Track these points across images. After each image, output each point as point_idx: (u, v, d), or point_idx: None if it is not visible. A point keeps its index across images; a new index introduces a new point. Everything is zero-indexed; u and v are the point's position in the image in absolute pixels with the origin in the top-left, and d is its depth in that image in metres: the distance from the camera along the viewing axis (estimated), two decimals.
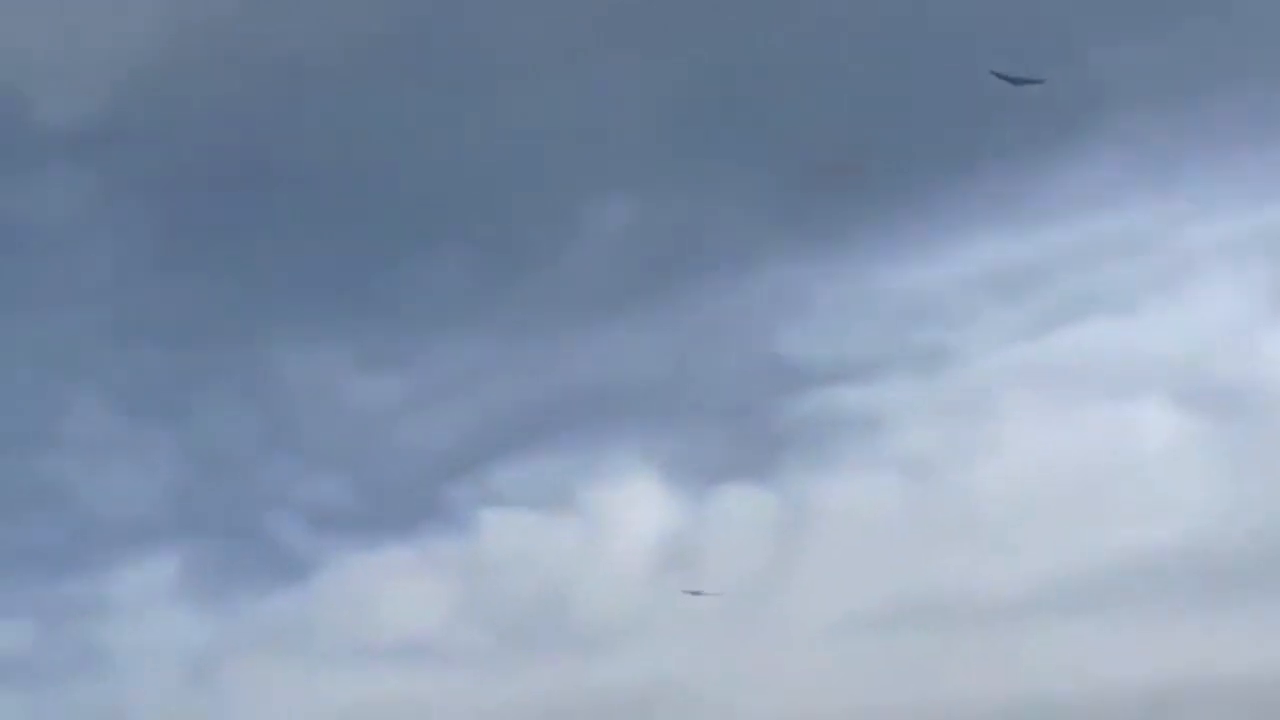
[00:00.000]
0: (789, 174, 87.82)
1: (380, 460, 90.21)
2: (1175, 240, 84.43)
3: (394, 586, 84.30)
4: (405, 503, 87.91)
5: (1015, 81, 56.88)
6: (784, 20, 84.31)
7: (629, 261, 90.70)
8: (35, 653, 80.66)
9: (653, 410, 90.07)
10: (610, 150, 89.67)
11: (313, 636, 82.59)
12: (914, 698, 71.54)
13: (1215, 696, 67.66)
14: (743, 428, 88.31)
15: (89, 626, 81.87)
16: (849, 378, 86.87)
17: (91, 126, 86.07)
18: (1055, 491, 78.46)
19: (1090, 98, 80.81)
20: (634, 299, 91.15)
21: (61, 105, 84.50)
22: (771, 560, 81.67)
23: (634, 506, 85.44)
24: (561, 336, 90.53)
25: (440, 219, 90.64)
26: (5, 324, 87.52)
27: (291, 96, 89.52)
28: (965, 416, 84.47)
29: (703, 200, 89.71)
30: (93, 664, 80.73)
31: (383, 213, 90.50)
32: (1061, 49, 79.34)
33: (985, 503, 79.63)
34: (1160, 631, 70.90)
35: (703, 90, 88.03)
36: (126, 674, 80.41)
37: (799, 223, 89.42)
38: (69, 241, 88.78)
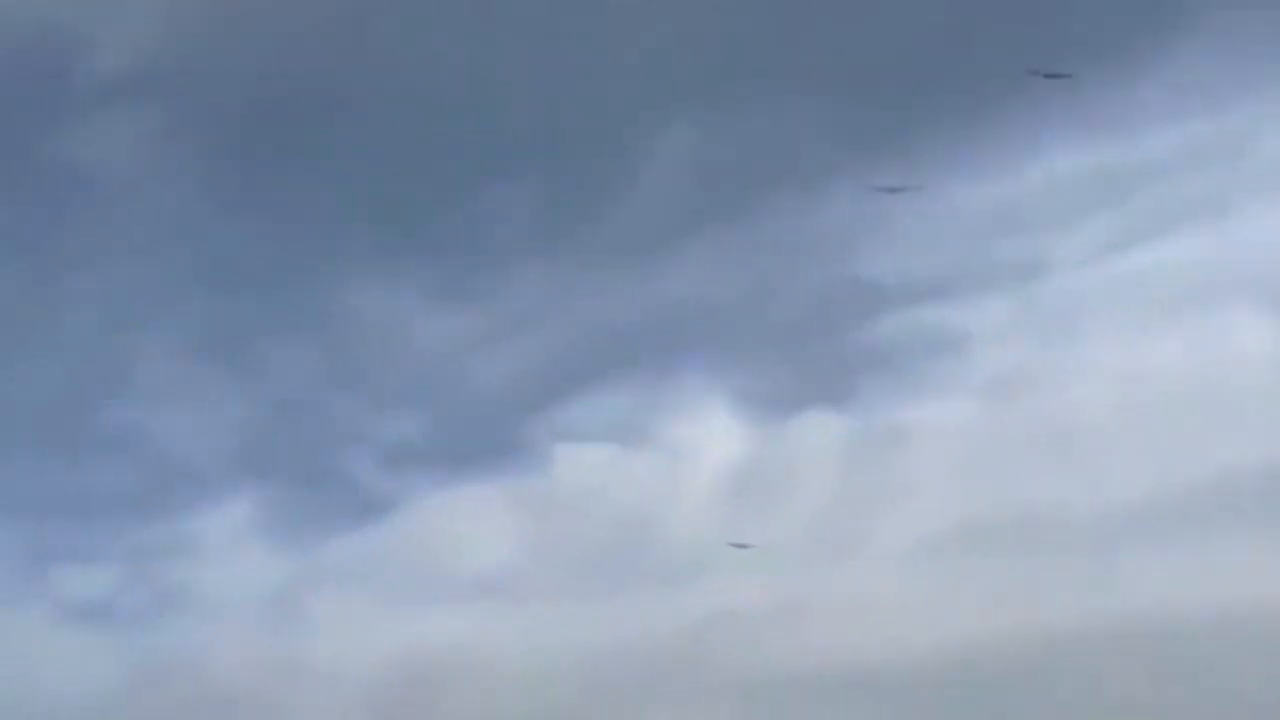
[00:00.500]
0: (862, 88, 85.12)
1: (453, 397, 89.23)
2: (1273, 143, 79.98)
3: (469, 523, 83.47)
4: (479, 439, 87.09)
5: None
6: None
7: (699, 186, 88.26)
8: (118, 596, 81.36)
9: (728, 338, 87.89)
10: (677, 73, 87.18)
11: (389, 575, 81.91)
12: (999, 622, 69.08)
13: None
14: (821, 353, 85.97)
15: (170, 569, 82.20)
16: (930, 297, 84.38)
17: (151, 67, 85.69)
18: (1148, 409, 75.28)
19: None
20: (705, 224, 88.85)
21: (121, 47, 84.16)
22: (852, 487, 79.42)
23: (710, 437, 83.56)
24: (632, 266, 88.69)
25: (506, 150, 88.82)
26: (73, 273, 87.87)
27: (354, 31, 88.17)
28: (1053, 333, 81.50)
29: (773, 120, 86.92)
30: (174, 606, 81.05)
31: (449, 145, 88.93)
32: None
33: (1074, 422, 76.52)
34: (1257, 553, 67.27)
35: (769, 5, 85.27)
36: (207, 615, 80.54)
37: (874, 137, 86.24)
38: (132, 187, 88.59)
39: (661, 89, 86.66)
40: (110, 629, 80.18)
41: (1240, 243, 78.05)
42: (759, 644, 73.72)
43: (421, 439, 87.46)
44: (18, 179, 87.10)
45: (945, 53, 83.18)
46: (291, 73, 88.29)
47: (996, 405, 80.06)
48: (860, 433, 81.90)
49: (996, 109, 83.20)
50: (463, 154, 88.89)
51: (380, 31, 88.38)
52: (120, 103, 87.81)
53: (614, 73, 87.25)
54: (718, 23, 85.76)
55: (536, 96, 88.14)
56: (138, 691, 76.52)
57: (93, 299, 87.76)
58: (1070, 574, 69.96)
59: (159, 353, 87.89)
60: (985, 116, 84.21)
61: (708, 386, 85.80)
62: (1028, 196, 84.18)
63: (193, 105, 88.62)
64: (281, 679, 76.73)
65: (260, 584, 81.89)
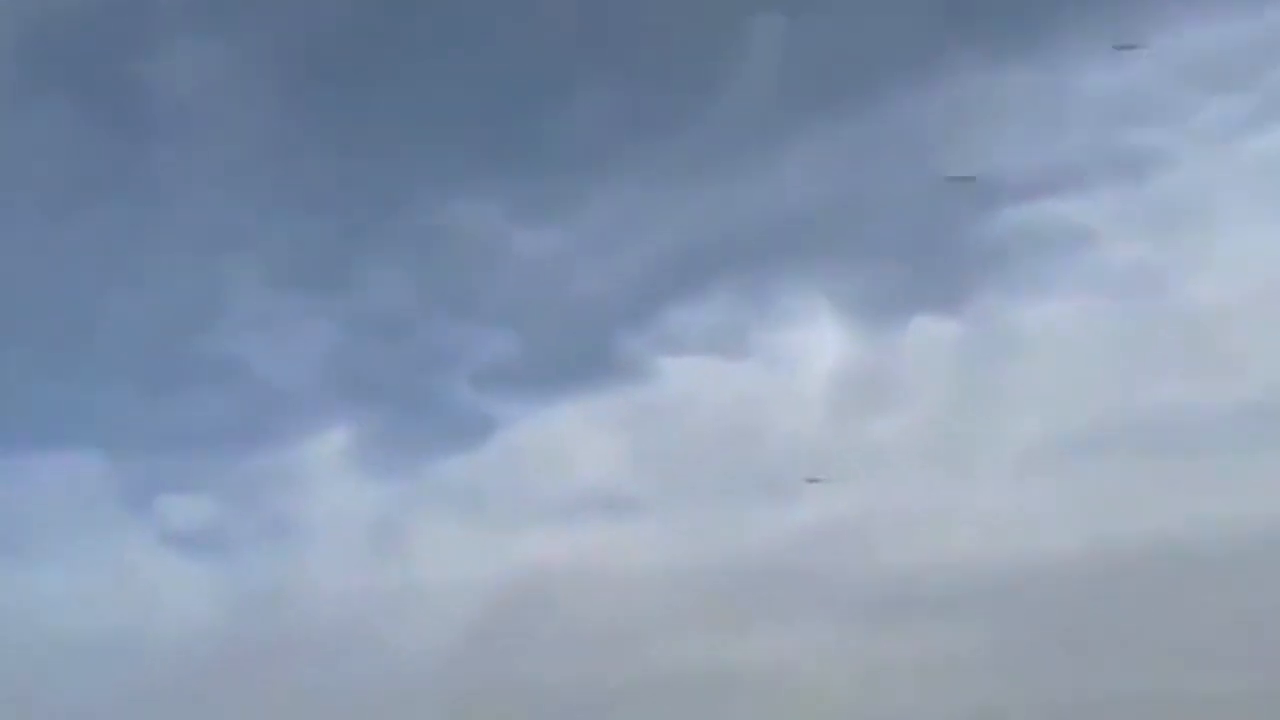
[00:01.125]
0: None
1: (549, 313, 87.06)
2: None
3: (570, 441, 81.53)
4: (577, 355, 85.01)
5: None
6: None
7: (795, 81, 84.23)
8: (221, 526, 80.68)
9: (831, 242, 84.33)
10: None
11: (491, 498, 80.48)
12: (1123, 532, 65.46)
13: None
14: (929, 254, 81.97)
15: (271, 498, 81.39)
16: (1047, 191, 79.57)
17: None
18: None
19: None
20: (804, 121, 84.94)
21: None
22: (966, 394, 76.03)
23: (816, 345, 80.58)
24: (728, 169, 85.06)
25: (592, 57, 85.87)
26: (161, 204, 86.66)
27: None
28: (1180, 225, 76.55)
29: (870, 8, 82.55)
30: (276, 535, 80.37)
31: (533, 55, 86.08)
32: None
33: (1204, 320, 72.24)
34: None
35: None
36: (309, 544, 79.91)
37: (981, 21, 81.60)
38: (217, 112, 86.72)
39: None
40: (214, 559, 79.70)
41: None
42: (870, 557, 71.13)
43: (518, 357, 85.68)
44: (101, 109, 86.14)
45: None
46: None
47: (1117, 303, 75.89)
48: (974, 337, 78.39)
49: None
50: (547, 63, 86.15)
51: None
52: (203, 27, 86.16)
53: None
54: None
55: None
56: (243, 621, 76.30)
57: (182, 228, 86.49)
58: (1200, 480, 66.08)
59: (251, 280, 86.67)
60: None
61: (812, 293, 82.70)
62: (1152, 78, 79.26)
63: (274, 27, 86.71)
64: (386, 606, 75.86)
65: (362, 511, 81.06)
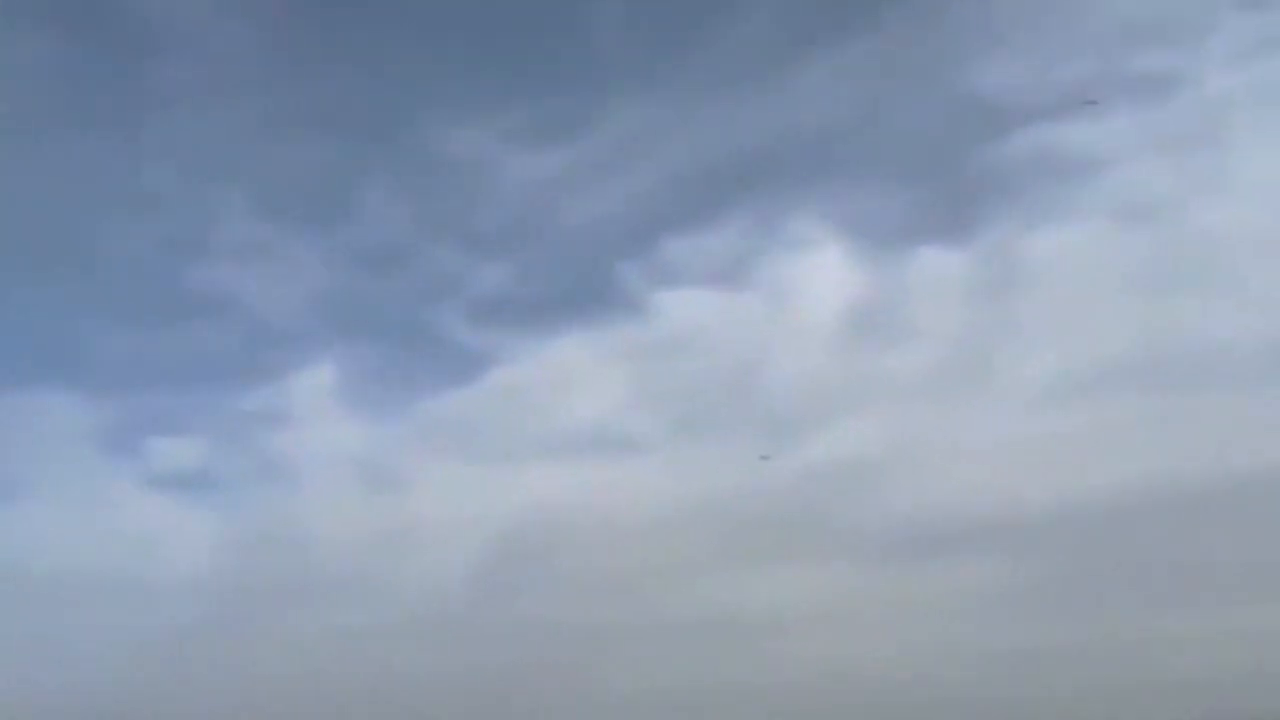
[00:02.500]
0: None
1: (546, 242, 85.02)
2: None
3: (568, 376, 79.54)
4: (574, 286, 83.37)
5: None
6: None
7: (795, 8, 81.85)
8: (210, 464, 78.80)
9: (836, 168, 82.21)
10: None
11: (488, 434, 78.68)
12: (1138, 468, 63.31)
13: None
14: (938, 180, 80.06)
15: (261, 435, 79.71)
16: (1059, 114, 76.79)
17: None
18: None
19: None
20: (810, 45, 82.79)
21: None
22: (976, 326, 73.97)
23: (821, 276, 78.31)
24: (731, 95, 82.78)
25: None
26: (146, 126, 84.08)
27: None
28: (1196, 149, 74.00)
29: None
30: (267, 473, 78.63)
31: None
32: None
33: (1220, 247, 70.01)
34: None
35: None
36: (302, 482, 78.14)
37: None
38: (202, 36, 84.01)
39: None
40: (204, 501, 77.97)
41: None
42: (878, 495, 69.27)
43: (514, 289, 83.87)
44: (82, 29, 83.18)
45: None
46: None
47: (1132, 230, 73.75)
48: (983, 266, 76.25)
49: None
50: None
51: None
52: None
53: None
54: None
55: None
56: (235, 563, 74.28)
57: (168, 154, 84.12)
58: (1217, 415, 63.91)
59: (239, 208, 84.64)
60: None
61: (816, 222, 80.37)
62: (1163, 1, 76.59)
63: None
64: (381, 546, 74.14)
65: (355, 450, 79.31)
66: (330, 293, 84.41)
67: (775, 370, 76.90)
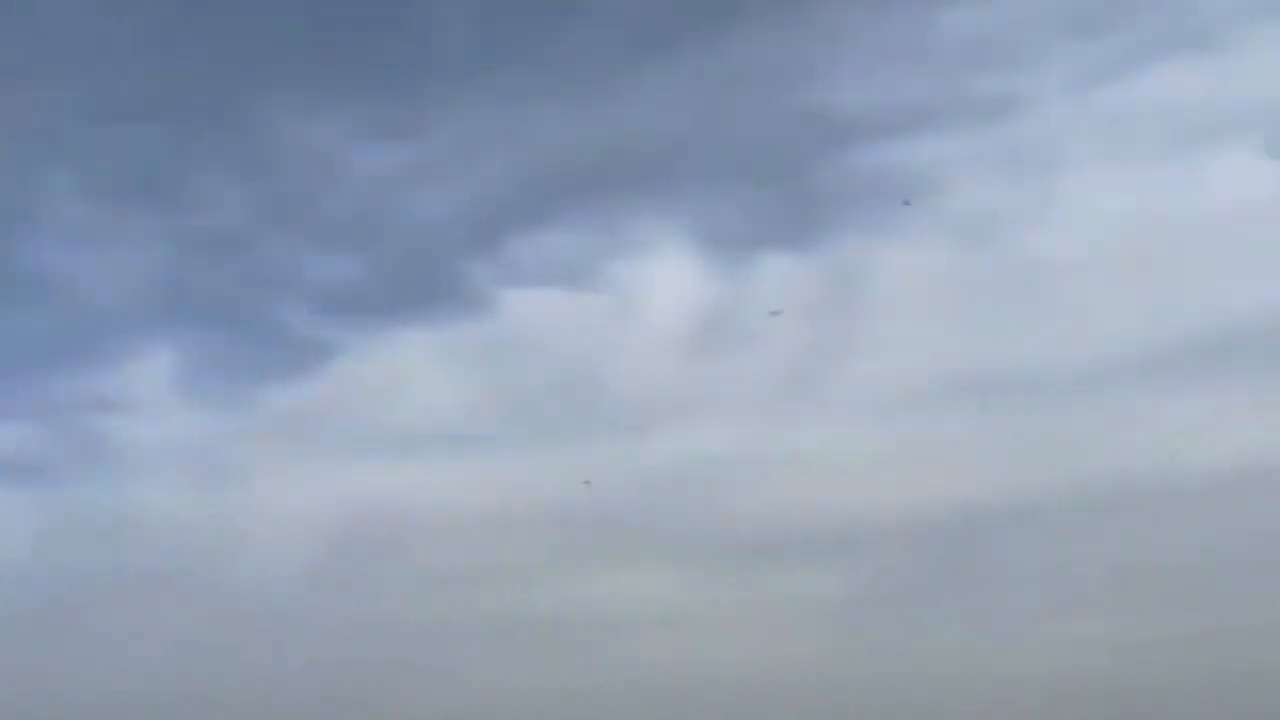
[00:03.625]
0: None
1: (391, 237, 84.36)
2: None
3: (410, 372, 78.93)
4: (419, 282, 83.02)
5: None
6: None
7: (653, 9, 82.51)
8: (37, 452, 76.39)
9: (684, 174, 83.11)
10: None
11: (328, 427, 77.60)
12: (970, 482, 65.24)
13: None
14: (782, 191, 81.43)
15: (91, 423, 77.61)
16: (901, 131, 78.70)
17: None
18: (1132, 253, 70.74)
19: None
20: (658, 49, 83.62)
21: None
22: (817, 336, 75.25)
23: (665, 280, 78.92)
24: (582, 95, 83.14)
25: None
26: None
27: None
28: (1032, 172, 76.43)
29: None
30: (98, 463, 76.37)
31: None
32: None
33: (1054, 267, 72.25)
34: (1247, 407, 63.90)
35: None
36: (135, 473, 76.01)
37: None
38: (39, 10, 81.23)
39: None
40: (29, 485, 75.69)
41: (1234, 77, 73.08)
42: (718, 500, 70.04)
43: (358, 282, 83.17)
44: None
45: None
46: None
47: (970, 248, 75.66)
48: (825, 277, 77.59)
49: None
50: None
51: None
52: None
53: None
54: None
55: None
56: (63, 554, 72.27)
57: None
58: (1048, 429, 66.46)
59: (73, 188, 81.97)
60: None
61: (662, 226, 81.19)
62: (1008, 22, 79.10)
63: None
64: (216, 540, 72.66)
65: (190, 438, 77.42)
66: (168, 279, 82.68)
67: (618, 372, 77.38)
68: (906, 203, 71.09)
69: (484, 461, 74.71)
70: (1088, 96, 76.08)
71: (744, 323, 77.06)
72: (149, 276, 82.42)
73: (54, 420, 76.85)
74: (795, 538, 66.60)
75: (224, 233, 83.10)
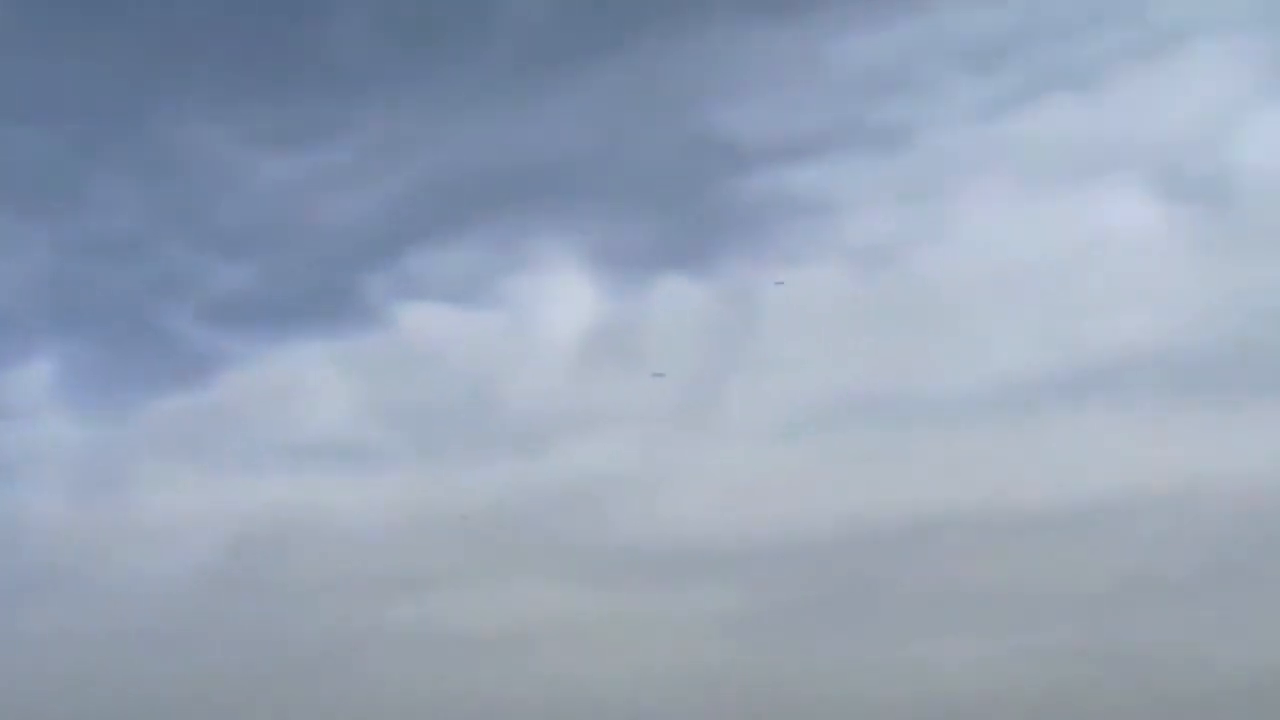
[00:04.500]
0: None
1: (288, 245, 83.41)
2: (1157, 10, 77.25)
3: (304, 383, 78.41)
4: (316, 293, 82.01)
5: None
6: None
7: (553, 28, 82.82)
8: None
9: (581, 193, 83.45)
10: None
11: (218, 439, 76.73)
12: (861, 503, 66.60)
13: (1193, 503, 63.27)
14: (679, 212, 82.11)
15: None
16: (797, 157, 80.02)
17: None
18: (1022, 282, 73.10)
19: None
20: (563, 68, 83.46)
21: None
22: (712, 356, 76.20)
23: (561, 298, 79.47)
24: (486, 110, 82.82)
25: None
26: None
27: None
28: (925, 201, 78.11)
29: None
30: None
31: None
32: None
33: (946, 294, 74.16)
34: (1132, 433, 66.04)
35: None
36: (13, 483, 74.25)
37: None
38: None
39: None
40: None
41: (1122, 115, 75.75)
42: (614, 517, 70.71)
43: (253, 291, 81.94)
44: None
45: None
46: None
47: (863, 274, 77.33)
48: (723, 299, 78.64)
49: None
50: None
51: None
52: None
53: None
54: None
55: None
56: None
57: None
58: (937, 453, 67.86)
59: None
60: None
61: (560, 245, 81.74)
62: (903, 54, 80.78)
63: None
64: (100, 551, 71.38)
65: (74, 446, 76.19)
66: (53, 283, 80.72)
67: (515, 389, 77.52)
68: (779, 283, 72.30)
69: (377, 475, 74.61)
70: (980, 128, 78.12)
71: (641, 343, 77.96)
72: (32, 280, 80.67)
73: None
74: (691, 555, 67.35)
75: (116, 238, 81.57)
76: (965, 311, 73.22)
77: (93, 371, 78.38)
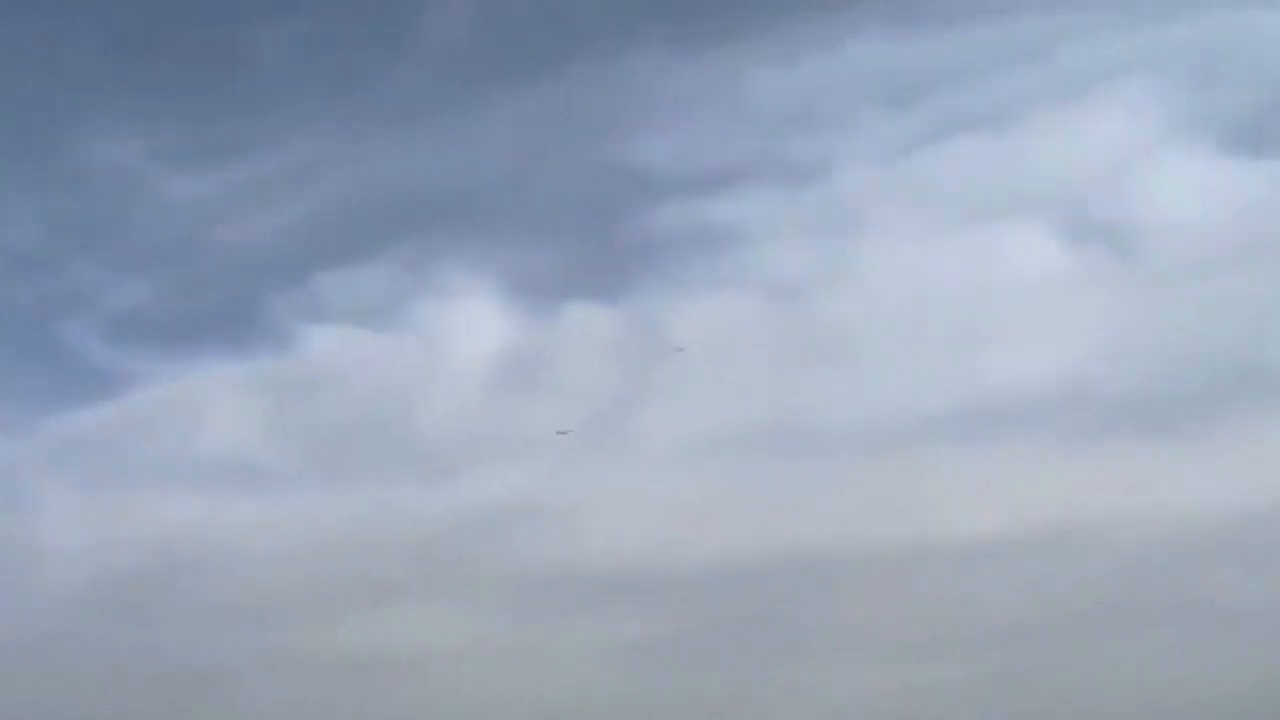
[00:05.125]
0: None
1: (193, 264, 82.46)
2: (1068, 56, 78.48)
3: (207, 404, 77.48)
4: (220, 312, 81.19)
5: None
6: None
7: (472, 54, 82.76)
8: None
9: (495, 218, 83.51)
10: None
11: (118, 458, 75.36)
12: (766, 532, 66.71)
13: (1084, 540, 64.09)
14: (592, 240, 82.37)
15: None
16: (711, 189, 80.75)
17: None
18: (929, 318, 73.76)
19: None
20: (476, 95, 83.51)
21: None
22: (622, 384, 76.15)
23: (471, 324, 79.14)
24: (394, 135, 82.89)
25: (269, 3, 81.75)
26: None
27: None
28: (835, 235, 79.00)
29: None
30: None
31: None
32: None
33: (853, 328, 74.79)
34: (1029, 470, 66.74)
35: None
36: None
37: (660, 14, 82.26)
38: None
39: None
40: None
41: (1029, 155, 76.98)
42: (520, 544, 70.18)
43: (156, 310, 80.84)
44: None
45: None
46: None
47: (773, 306, 77.84)
48: (631, 326, 78.64)
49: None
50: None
51: None
52: None
53: None
54: None
55: None
56: None
57: None
58: (845, 485, 68.17)
59: None
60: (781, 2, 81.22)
61: (470, 270, 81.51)
62: (817, 91, 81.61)
63: None
64: None
65: None
66: None
67: (422, 413, 77.05)
68: (679, 349, 72.52)
69: (281, 498, 73.61)
70: (891, 166, 79.11)
71: (550, 370, 77.80)
72: None
73: None
74: (597, 581, 67.01)
75: (15, 253, 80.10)
76: (871, 346, 73.86)
77: None
